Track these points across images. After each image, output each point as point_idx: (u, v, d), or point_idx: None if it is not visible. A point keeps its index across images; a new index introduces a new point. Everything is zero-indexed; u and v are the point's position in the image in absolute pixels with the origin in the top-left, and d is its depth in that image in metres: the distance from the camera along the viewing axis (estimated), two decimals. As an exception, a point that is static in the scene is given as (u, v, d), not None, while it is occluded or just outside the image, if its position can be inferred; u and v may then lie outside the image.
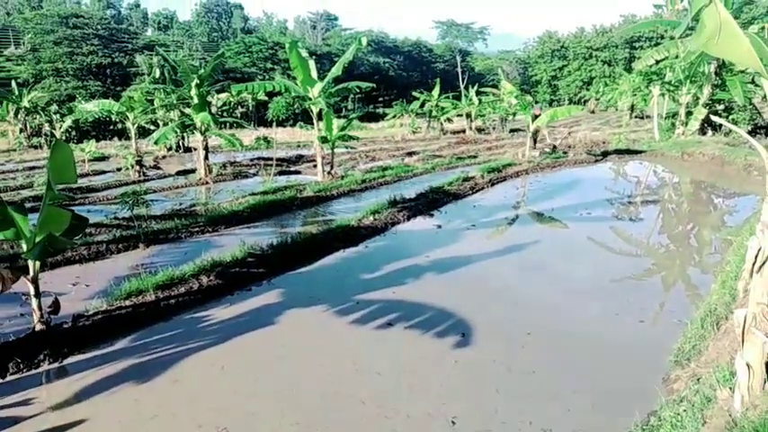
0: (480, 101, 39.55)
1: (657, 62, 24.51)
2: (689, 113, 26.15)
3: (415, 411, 4.85)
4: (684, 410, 4.30)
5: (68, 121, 30.58)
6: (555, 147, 22.60)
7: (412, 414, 4.82)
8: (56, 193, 5.78)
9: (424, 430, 4.62)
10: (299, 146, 31.51)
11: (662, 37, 66.80)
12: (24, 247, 6.00)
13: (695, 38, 3.88)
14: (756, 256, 4.11)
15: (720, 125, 25.06)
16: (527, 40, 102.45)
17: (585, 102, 70.92)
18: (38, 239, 5.83)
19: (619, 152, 23.08)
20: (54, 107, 36.81)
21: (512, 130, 38.45)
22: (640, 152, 23.20)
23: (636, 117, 43.08)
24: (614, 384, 5.27)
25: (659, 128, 28.01)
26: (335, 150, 18.70)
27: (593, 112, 62.24)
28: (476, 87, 41.17)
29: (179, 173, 20.76)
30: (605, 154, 22.66)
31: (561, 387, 5.21)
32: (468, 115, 39.48)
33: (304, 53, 16.72)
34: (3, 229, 5.74)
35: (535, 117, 22.69)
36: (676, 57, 23.86)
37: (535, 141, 22.16)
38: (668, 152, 22.32)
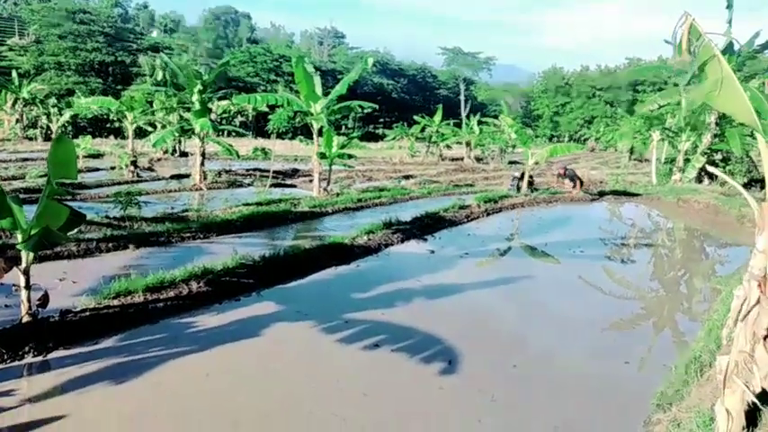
0: (481, 130, 39.89)
1: (660, 107, 24.82)
2: (687, 160, 26.42)
3: (397, 435, 4.83)
4: (664, 455, 4.32)
5: (66, 116, 30.62)
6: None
7: (393, 437, 4.80)
8: (55, 188, 5.79)
9: (405, 455, 4.61)
10: (295, 159, 31.64)
11: (665, 82, 67.74)
12: (19, 237, 5.98)
13: (698, 89, 4.01)
14: (742, 306, 4.19)
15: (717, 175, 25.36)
16: (532, 73, 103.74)
17: (585, 140, 71.63)
18: (34, 232, 5.82)
19: (615, 193, 23.25)
20: (53, 100, 36.95)
21: (510, 162, 38.71)
22: (637, 195, 23.37)
23: (635, 159, 43.51)
24: (596, 424, 5.29)
25: (657, 172, 28.26)
26: (332, 167, 18.77)
27: (592, 150, 62.87)
28: (477, 116, 41.54)
29: (173, 176, 20.81)
30: (602, 194, 22.82)
31: (543, 422, 5.21)
32: (468, 144, 39.77)
33: (310, 69, 16.83)
34: (0, 218, 5.72)
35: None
36: (678, 103, 24.17)
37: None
38: (664, 197, 22.49)
